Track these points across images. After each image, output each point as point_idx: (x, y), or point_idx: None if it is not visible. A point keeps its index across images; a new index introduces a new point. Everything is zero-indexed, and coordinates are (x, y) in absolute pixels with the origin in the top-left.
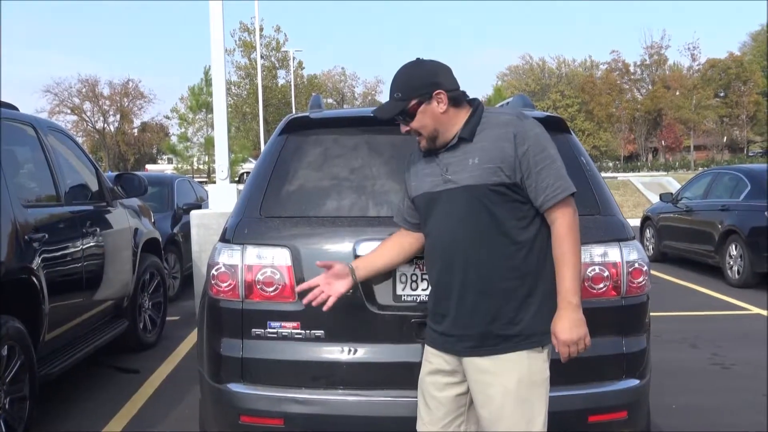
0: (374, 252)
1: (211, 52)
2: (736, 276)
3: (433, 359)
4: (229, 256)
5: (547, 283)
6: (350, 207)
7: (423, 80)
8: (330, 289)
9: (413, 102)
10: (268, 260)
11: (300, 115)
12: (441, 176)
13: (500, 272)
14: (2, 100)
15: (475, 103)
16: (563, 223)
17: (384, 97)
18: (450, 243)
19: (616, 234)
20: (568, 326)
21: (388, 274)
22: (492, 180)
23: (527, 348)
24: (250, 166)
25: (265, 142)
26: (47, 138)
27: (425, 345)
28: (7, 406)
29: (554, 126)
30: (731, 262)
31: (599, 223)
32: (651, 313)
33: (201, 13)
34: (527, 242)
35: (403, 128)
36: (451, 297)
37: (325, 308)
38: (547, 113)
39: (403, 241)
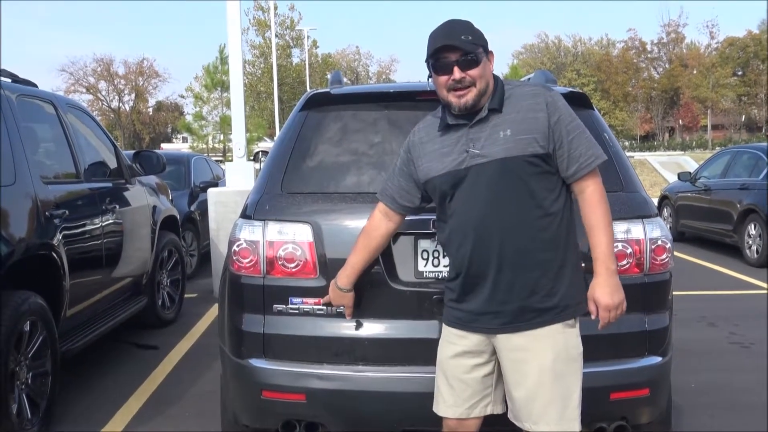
0: (355, 256)
1: (227, 31)
2: (755, 255)
3: (456, 341)
4: (251, 232)
5: (575, 254)
6: (371, 183)
7: (483, 36)
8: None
9: (480, 49)
10: (290, 236)
11: (320, 91)
12: (466, 152)
13: (537, 244)
14: (21, 77)
15: (494, 77)
16: (596, 190)
17: (399, 75)
18: (483, 219)
19: (640, 210)
20: (609, 291)
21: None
22: (528, 151)
23: (562, 320)
24: (265, 144)
25: (280, 121)
26: (66, 115)
27: (445, 326)
28: (29, 381)
29: (577, 101)
30: (750, 242)
31: (622, 199)
32: None
33: None
34: (558, 212)
35: (458, 73)
36: (487, 275)
37: (348, 317)
38: (570, 88)
39: (381, 232)
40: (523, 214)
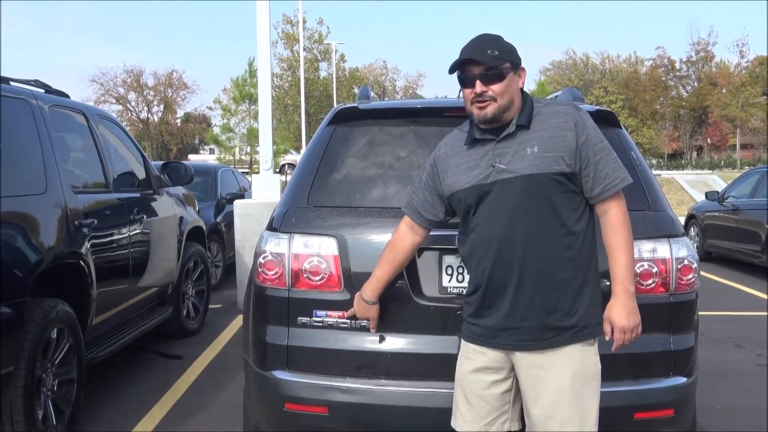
0: (380, 269)
1: (257, 45)
2: None
3: (475, 356)
4: (276, 245)
5: (595, 274)
6: (397, 198)
7: (514, 51)
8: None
9: (507, 64)
10: (315, 249)
11: (348, 105)
12: (492, 167)
13: (558, 263)
14: (54, 88)
15: (524, 94)
16: (619, 211)
17: (425, 91)
18: (507, 235)
19: (666, 230)
20: (625, 313)
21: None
22: (554, 169)
23: (582, 340)
24: (291, 157)
25: (307, 134)
26: (97, 126)
27: (464, 342)
28: (55, 388)
29: (605, 120)
30: None
31: (649, 218)
32: None
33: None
34: (581, 232)
35: (480, 87)
36: (507, 290)
37: (372, 330)
38: (598, 107)
39: (406, 245)
40: (546, 231)
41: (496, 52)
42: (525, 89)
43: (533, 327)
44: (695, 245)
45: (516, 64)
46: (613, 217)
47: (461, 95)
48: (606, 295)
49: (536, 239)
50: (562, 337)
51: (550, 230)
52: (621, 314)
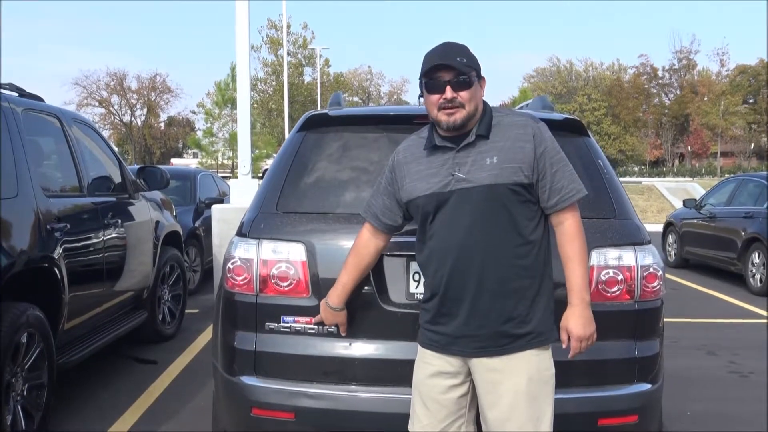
0: (346, 274)
1: (236, 48)
2: (759, 284)
3: (433, 361)
4: (245, 250)
5: (550, 282)
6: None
7: (477, 61)
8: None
9: (474, 72)
10: (284, 255)
11: (319, 112)
12: (452, 176)
13: (515, 271)
14: (28, 91)
15: (484, 103)
16: (574, 222)
17: (410, 96)
18: (464, 244)
19: (632, 238)
20: (582, 323)
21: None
22: (513, 180)
23: (536, 347)
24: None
25: None
26: (71, 129)
27: (421, 348)
28: (25, 393)
29: (573, 128)
30: (754, 270)
31: (615, 226)
32: (670, 319)
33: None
34: (537, 241)
35: (450, 93)
36: (464, 298)
37: (343, 334)
38: (566, 115)
39: (370, 251)
40: (503, 240)
41: (465, 60)
42: (508, 96)
43: (490, 334)
44: (673, 252)
45: (479, 74)
46: (569, 227)
47: (421, 101)
48: (559, 303)
49: (494, 248)
50: (518, 344)
51: (507, 239)
52: (578, 323)
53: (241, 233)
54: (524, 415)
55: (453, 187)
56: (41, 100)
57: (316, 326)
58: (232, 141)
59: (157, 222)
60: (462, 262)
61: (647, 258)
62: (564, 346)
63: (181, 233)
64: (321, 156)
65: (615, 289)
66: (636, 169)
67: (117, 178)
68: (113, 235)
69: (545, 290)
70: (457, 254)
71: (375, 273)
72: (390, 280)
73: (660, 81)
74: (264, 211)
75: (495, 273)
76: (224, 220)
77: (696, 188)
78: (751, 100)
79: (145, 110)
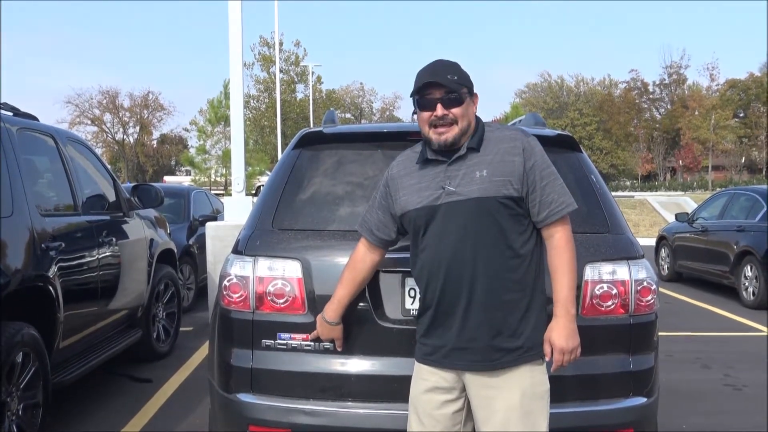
0: (342, 289)
1: (229, 66)
2: (751, 297)
3: (428, 376)
4: (241, 268)
5: (542, 295)
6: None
7: (469, 78)
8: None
9: (465, 89)
10: (279, 272)
11: (314, 129)
12: (442, 189)
13: (506, 285)
14: (23, 111)
15: (476, 119)
16: (563, 236)
17: (402, 112)
18: (455, 256)
19: (625, 252)
20: (565, 335)
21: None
22: (502, 193)
23: (528, 361)
24: (267, 179)
25: None
26: (66, 148)
27: (417, 363)
28: (20, 412)
29: (565, 144)
30: (746, 283)
31: (608, 241)
32: (664, 333)
33: (222, 27)
34: (527, 255)
35: (441, 110)
36: (456, 311)
37: (339, 349)
38: (558, 131)
39: (366, 265)
40: (493, 253)
41: (456, 77)
42: (500, 112)
43: (481, 348)
44: (665, 266)
45: (471, 90)
46: (558, 240)
47: (415, 118)
48: (551, 317)
49: (484, 261)
50: (509, 358)
51: (497, 252)
52: (561, 336)
53: (237, 250)
54: (518, 431)
55: (443, 200)
56: (36, 119)
57: (312, 343)
58: (225, 158)
59: (152, 240)
60: (453, 275)
61: (641, 272)
62: (547, 358)
63: (176, 251)
64: (316, 173)
65: (609, 303)
66: (628, 183)
67: (111, 197)
68: (108, 254)
69: (536, 304)
70: (447, 267)
71: (371, 289)
72: (386, 296)
73: (651, 96)
74: (260, 229)
75: (485, 286)
76: (218, 237)
77: (688, 202)
78: (741, 114)
79: (137, 128)
